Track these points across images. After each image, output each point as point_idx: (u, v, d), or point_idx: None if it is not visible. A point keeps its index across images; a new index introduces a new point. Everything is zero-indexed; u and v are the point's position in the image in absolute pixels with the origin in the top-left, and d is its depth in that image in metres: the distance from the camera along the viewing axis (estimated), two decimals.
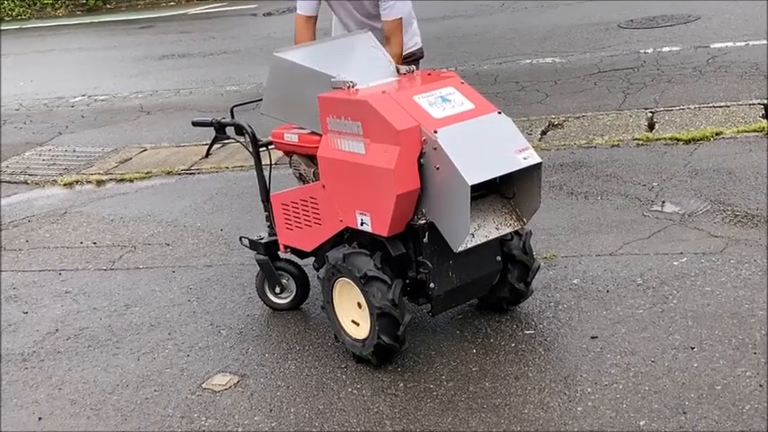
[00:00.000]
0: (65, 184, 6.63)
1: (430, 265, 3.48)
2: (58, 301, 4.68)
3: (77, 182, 6.65)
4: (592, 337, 3.63)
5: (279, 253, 4.12)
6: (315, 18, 4.42)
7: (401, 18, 4.37)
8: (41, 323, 4.46)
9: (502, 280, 3.75)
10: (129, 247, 5.30)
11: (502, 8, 10.17)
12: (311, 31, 4.41)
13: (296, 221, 3.85)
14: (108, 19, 13.93)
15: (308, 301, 4.20)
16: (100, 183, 6.58)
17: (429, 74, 3.67)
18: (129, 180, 6.55)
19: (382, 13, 4.34)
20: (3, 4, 15.04)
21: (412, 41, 4.62)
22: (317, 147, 3.59)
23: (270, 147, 4.08)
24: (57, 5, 14.82)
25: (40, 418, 3.63)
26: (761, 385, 3.18)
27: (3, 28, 14.27)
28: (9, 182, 6.89)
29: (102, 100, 9.07)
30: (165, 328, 4.23)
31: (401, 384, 3.49)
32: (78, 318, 4.47)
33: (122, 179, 6.59)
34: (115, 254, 5.22)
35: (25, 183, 6.80)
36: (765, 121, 5.66)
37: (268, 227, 4.12)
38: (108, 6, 14.55)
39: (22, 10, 14.92)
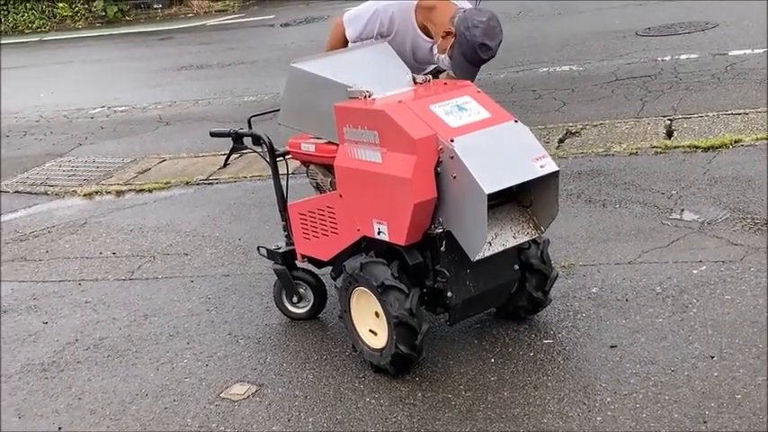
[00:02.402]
0: (84, 195, 6.67)
1: (447, 273, 3.49)
2: (77, 311, 4.71)
3: (97, 192, 6.70)
4: (611, 347, 3.62)
5: (296, 262, 4.13)
6: None
7: None
8: (61, 333, 4.49)
9: (520, 289, 3.75)
10: (148, 257, 5.33)
11: (518, 17, 10.17)
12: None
13: (313, 231, 3.86)
14: (127, 31, 14.05)
15: (326, 310, 4.21)
16: (119, 193, 6.63)
17: (445, 83, 3.67)
18: (148, 190, 6.59)
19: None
20: (22, 16, 15.16)
21: None
22: (334, 156, 3.60)
23: (287, 156, 4.10)
24: (76, 18, 14.95)
25: (60, 428, 3.65)
26: None
27: (23, 40, 14.42)
28: (30, 192, 6.94)
29: (122, 111, 9.15)
30: (183, 337, 4.25)
31: (419, 394, 3.49)
32: (98, 328, 4.49)
33: (141, 189, 6.63)
34: (134, 264, 5.25)
35: (45, 194, 6.85)
36: None
37: (285, 236, 4.13)
38: (127, 18, 14.66)
39: (42, 22, 15.07)
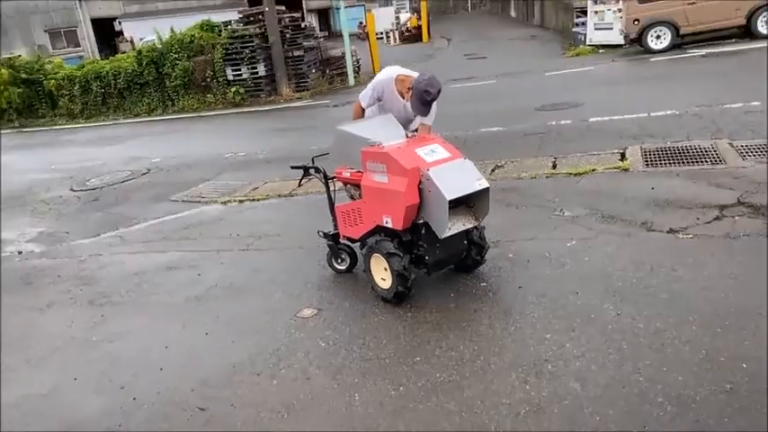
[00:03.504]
0: (222, 203, 6.69)
1: (425, 246, 3.51)
2: (217, 268, 4.74)
3: (229, 201, 6.72)
4: (519, 287, 3.63)
5: (340, 240, 4.14)
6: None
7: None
8: (208, 280, 4.52)
9: (467, 254, 3.76)
10: (257, 237, 5.33)
11: (461, 101, 10.12)
12: (362, 115, 4.24)
13: (349, 221, 3.87)
14: (245, 110, 14.06)
15: (356, 267, 4.20)
16: (241, 201, 6.64)
17: (424, 136, 3.68)
18: (258, 200, 6.60)
19: (427, 120, 3.92)
20: (187, 101, 15.23)
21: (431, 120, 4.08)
22: (361, 179, 3.62)
23: (333, 179, 4.11)
24: (216, 102, 14.97)
25: (206, 333, 3.70)
26: (618, 314, 3.17)
27: (187, 116, 14.48)
28: (191, 201, 6.95)
29: (242, 155, 9.16)
30: (277, 283, 4.26)
31: (409, 314, 3.51)
32: (228, 277, 4.52)
33: (253, 199, 6.64)
34: (249, 241, 5.26)
35: (199, 202, 6.88)
36: (620, 162, 5.59)
37: (333, 225, 4.14)
38: (245, 102, 14.68)
39: (198, 105, 15.10)
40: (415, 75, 3.90)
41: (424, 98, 3.64)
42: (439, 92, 3.65)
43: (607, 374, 2.73)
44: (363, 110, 4.17)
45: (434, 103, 3.75)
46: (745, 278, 3.33)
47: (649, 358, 2.80)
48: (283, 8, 15.24)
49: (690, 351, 2.80)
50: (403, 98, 3.92)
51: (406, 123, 3.99)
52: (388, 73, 4.04)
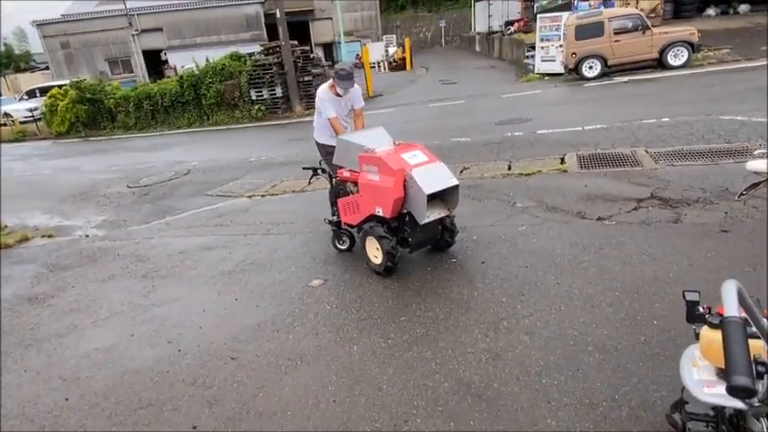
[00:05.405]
0: (248, 197, 6.62)
1: (408, 230, 3.50)
2: (244, 248, 4.68)
3: (253, 195, 6.65)
4: (482, 262, 3.63)
5: (341, 226, 4.11)
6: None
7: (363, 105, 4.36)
8: (236, 257, 4.47)
9: (441, 237, 3.75)
10: (275, 224, 5.29)
11: (437, 117, 10.08)
12: (341, 124, 4.23)
13: (349, 211, 3.85)
14: (266, 124, 13.92)
15: (355, 248, 4.18)
16: (263, 196, 6.58)
17: (408, 144, 3.67)
18: (276, 194, 6.54)
19: (358, 106, 4.27)
20: (219, 116, 15.04)
21: (361, 103, 4.37)
22: (358, 177, 3.59)
23: (336, 178, 4.09)
24: (242, 118, 14.80)
25: (236, 299, 3.67)
26: (558, 283, 3.19)
27: (219, 128, 14.30)
28: (223, 195, 6.88)
29: (263, 159, 9.06)
30: (292, 259, 4.23)
31: (396, 284, 3.50)
32: (253, 255, 4.47)
33: (272, 194, 6.58)
34: (269, 227, 5.21)
35: (230, 196, 6.82)
36: (560, 165, 5.60)
37: (336, 214, 4.11)
38: (266, 118, 14.52)
39: (228, 120, 14.92)
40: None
41: (339, 74, 3.93)
42: (351, 68, 3.97)
43: (549, 329, 2.76)
44: (336, 118, 4.22)
45: (354, 83, 3.97)
46: (657, 255, 3.37)
47: (582, 317, 2.83)
48: (296, 42, 15.05)
49: (613, 312, 2.84)
50: (336, 94, 4.13)
51: (346, 107, 4.18)
52: (321, 89, 4.20)
